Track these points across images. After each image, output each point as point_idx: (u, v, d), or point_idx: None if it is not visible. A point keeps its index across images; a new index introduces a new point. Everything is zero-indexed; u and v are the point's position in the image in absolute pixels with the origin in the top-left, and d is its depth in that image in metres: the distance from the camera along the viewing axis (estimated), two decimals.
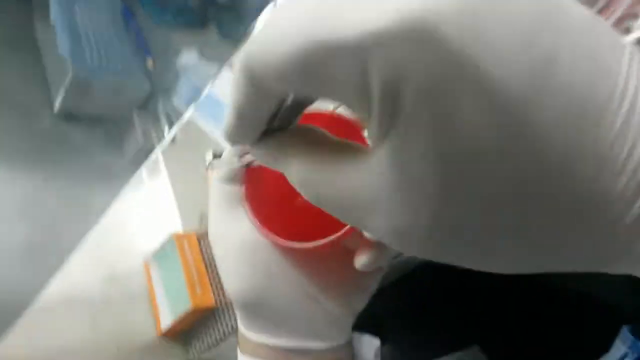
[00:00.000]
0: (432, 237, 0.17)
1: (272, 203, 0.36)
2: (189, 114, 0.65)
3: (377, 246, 0.32)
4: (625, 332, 0.37)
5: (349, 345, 0.39)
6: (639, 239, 0.15)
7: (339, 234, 0.32)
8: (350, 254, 0.35)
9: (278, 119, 0.21)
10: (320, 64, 0.16)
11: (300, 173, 0.21)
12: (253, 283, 0.35)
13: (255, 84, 0.18)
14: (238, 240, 0.35)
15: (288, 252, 0.35)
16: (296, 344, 0.36)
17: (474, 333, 0.54)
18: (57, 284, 0.51)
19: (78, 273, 0.58)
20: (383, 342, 0.44)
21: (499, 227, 0.16)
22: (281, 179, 0.23)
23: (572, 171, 0.14)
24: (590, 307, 0.56)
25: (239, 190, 0.35)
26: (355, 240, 0.35)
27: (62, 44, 0.72)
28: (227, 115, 0.21)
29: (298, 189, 0.21)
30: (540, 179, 0.15)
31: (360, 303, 0.37)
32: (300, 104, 0.21)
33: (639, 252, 0.15)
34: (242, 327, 0.38)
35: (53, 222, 0.63)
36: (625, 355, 0.35)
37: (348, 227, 0.32)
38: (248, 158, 0.37)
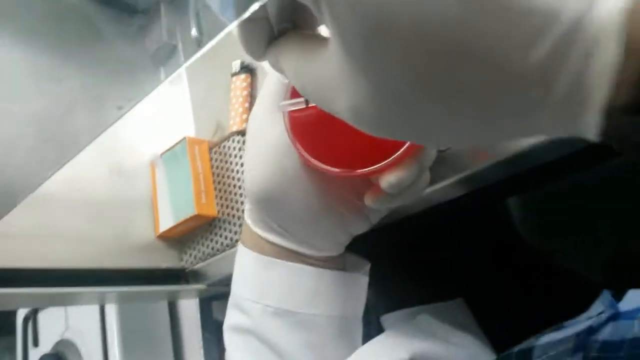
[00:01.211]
0: (379, 109, 0.20)
1: (310, 124, 0.36)
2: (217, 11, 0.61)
3: (385, 193, 0.35)
4: (605, 294, 0.39)
5: (341, 257, 0.43)
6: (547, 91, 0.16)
7: (363, 170, 0.33)
8: (363, 185, 0.37)
9: (276, 28, 0.25)
10: None
11: (291, 68, 0.24)
12: (275, 182, 0.37)
13: None
14: (273, 141, 0.37)
15: (311, 167, 0.36)
16: (295, 247, 0.40)
17: (459, 286, 0.55)
18: (65, 170, 0.50)
19: (85, 163, 0.57)
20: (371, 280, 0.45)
21: (432, 95, 0.18)
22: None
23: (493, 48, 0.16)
24: (572, 277, 0.57)
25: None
26: (373, 178, 0.37)
27: None
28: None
29: (292, 83, 0.24)
30: (463, 52, 0.16)
31: (358, 229, 0.41)
32: (284, 11, 0.25)
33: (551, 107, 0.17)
34: (249, 221, 0.41)
35: (69, 102, 0.61)
36: (603, 311, 0.37)
37: (372, 168, 0.33)
38: None
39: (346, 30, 0.18)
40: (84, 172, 0.56)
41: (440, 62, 0.17)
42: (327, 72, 0.21)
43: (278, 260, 0.40)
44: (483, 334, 0.52)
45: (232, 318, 0.42)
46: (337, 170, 0.35)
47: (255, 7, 0.23)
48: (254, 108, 0.40)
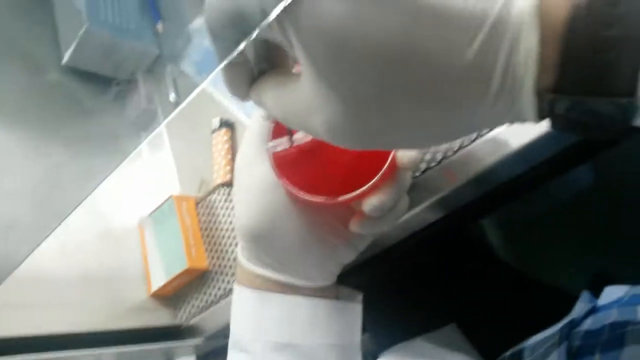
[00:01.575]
0: (350, 121, 0.22)
1: (292, 160, 0.39)
2: (193, 75, 0.65)
3: (372, 216, 0.37)
4: (584, 293, 0.42)
5: (333, 287, 0.44)
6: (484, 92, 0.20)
7: (345, 197, 0.35)
8: (347, 214, 0.39)
9: (256, 70, 0.28)
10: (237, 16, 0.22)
11: (271, 101, 0.26)
12: (266, 217, 0.39)
13: (211, 35, 0.24)
14: (261, 179, 0.40)
15: (298, 200, 0.39)
16: (289, 279, 0.41)
17: (451, 312, 0.57)
18: (55, 237, 0.51)
19: (75, 229, 0.58)
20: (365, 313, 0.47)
21: (391, 99, 0.21)
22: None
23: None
24: (556, 296, 0.59)
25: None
26: (356, 204, 0.39)
27: None
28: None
29: (274, 115, 0.27)
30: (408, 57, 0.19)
31: (347, 257, 0.43)
32: (260, 53, 0.28)
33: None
34: (243, 259, 0.42)
35: (57, 174, 0.63)
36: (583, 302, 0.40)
37: (352, 195, 0.36)
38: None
39: (313, 53, 0.21)
40: (74, 238, 0.58)
41: (392, 69, 0.20)
42: (302, 97, 0.24)
43: (274, 295, 0.41)
44: (478, 354, 0.53)
45: (233, 359, 0.43)
46: (321, 199, 0.37)
47: (232, 55, 0.26)
48: (239, 152, 0.42)
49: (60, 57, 0.76)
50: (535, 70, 0.18)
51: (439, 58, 0.19)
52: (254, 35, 0.23)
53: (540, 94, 0.19)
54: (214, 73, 0.28)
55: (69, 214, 0.54)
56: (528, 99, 0.19)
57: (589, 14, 0.17)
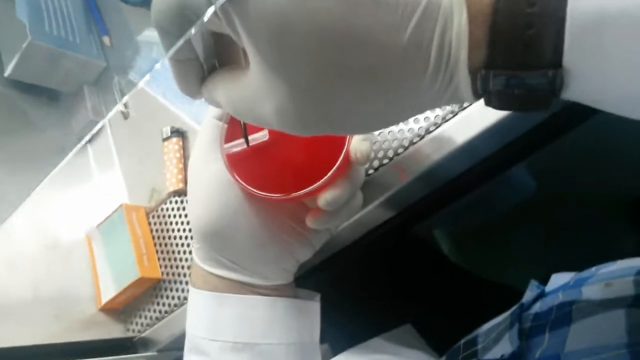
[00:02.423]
0: (298, 106, 0.23)
1: (245, 159, 0.40)
2: (142, 83, 0.65)
3: (327, 211, 0.38)
4: (532, 282, 0.44)
5: (291, 287, 0.45)
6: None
7: (300, 192, 0.36)
8: (302, 212, 0.39)
9: (206, 67, 0.28)
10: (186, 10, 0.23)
11: (222, 96, 0.27)
12: (220, 216, 0.39)
13: (160, 31, 0.24)
14: (214, 177, 0.40)
15: (252, 198, 0.39)
16: (245, 278, 0.41)
17: (405, 312, 0.58)
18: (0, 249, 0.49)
19: (21, 241, 0.55)
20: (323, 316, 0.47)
21: (334, 82, 0.21)
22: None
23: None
24: (506, 292, 0.62)
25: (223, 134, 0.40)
26: (310, 201, 0.40)
27: (21, 8, 0.70)
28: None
29: (227, 110, 0.27)
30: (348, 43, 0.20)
31: (303, 255, 0.43)
32: (209, 50, 0.28)
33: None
34: (198, 260, 0.42)
35: None
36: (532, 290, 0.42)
37: (307, 190, 0.36)
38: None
39: (257, 40, 0.22)
40: (21, 252, 0.55)
41: (333, 51, 0.21)
42: (251, 87, 0.25)
43: (230, 295, 0.41)
44: (433, 352, 0.54)
45: None
46: (276, 196, 0.38)
47: (179, 44, 0.26)
48: (193, 153, 0.42)
49: (3, 70, 0.73)
50: (466, 47, 0.20)
51: (379, 39, 0.20)
52: (200, 23, 0.23)
53: (473, 71, 0.20)
54: (158, 65, 0.28)
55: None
56: (463, 76, 0.21)
57: None
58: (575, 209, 0.91)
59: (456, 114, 0.43)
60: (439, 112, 0.44)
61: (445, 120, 0.44)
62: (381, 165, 0.46)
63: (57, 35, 0.77)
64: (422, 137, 0.44)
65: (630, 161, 0.88)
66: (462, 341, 0.41)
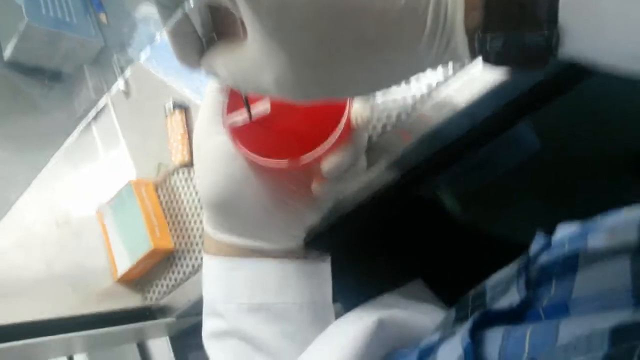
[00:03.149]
0: (297, 74, 0.23)
1: (248, 130, 0.40)
2: (143, 58, 0.65)
3: (331, 177, 0.39)
4: (538, 233, 0.45)
5: (301, 250, 0.45)
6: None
7: (303, 159, 0.37)
8: (308, 178, 0.40)
9: (204, 39, 0.29)
10: None
11: (222, 67, 0.27)
12: (226, 185, 0.40)
13: (157, 5, 0.25)
14: (219, 148, 0.40)
15: (257, 167, 0.40)
16: (255, 244, 0.42)
17: (415, 269, 0.59)
18: (9, 225, 0.50)
19: (31, 217, 0.57)
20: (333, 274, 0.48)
21: (332, 49, 0.22)
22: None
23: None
24: (514, 247, 0.63)
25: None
26: (313, 167, 0.40)
27: None
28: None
29: (227, 81, 0.28)
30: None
31: (310, 219, 0.44)
32: (207, 22, 0.28)
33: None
34: (208, 228, 0.43)
35: (2, 171, 0.61)
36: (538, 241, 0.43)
37: (312, 156, 0.37)
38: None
39: (256, 10, 0.22)
40: (32, 229, 0.56)
41: (332, 19, 0.21)
42: (251, 57, 0.25)
43: (243, 259, 0.42)
44: (444, 304, 0.55)
45: (208, 325, 0.43)
46: (281, 163, 0.38)
47: (176, 16, 0.27)
48: (196, 126, 0.43)
49: (2, 54, 0.74)
50: (462, 10, 0.20)
51: (376, 4, 0.21)
52: None
53: (470, 32, 0.21)
54: (158, 38, 0.28)
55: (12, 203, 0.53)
56: (460, 37, 0.21)
57: None
58: (579, 165, 0.92)
59: (457, 76, 0.44)
60: (439, 74, 0.44)
61: (446, 82, 0.44)
62: (384, 128, 0.46)
63: (53, 16, 0.77)
64: (424, 100, 0.45)
65: (632, 116, 0.89)
66: (471, 293, 0.42)
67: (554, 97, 0.51)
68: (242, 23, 0.25)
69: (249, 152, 0.39)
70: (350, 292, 0.62)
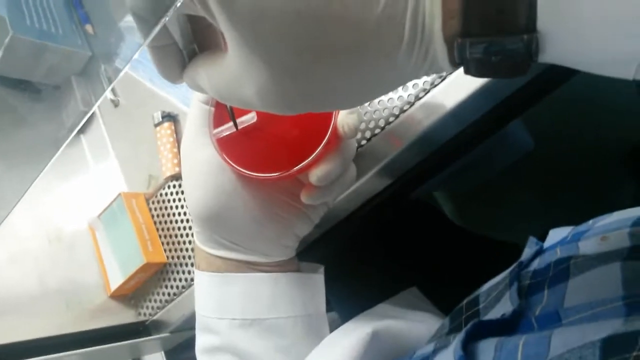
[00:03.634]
0: (278, 86, 0.23)
1: (234, 142, 0.40)
2: (126, 69, 0.64)
3: (320, 187, 0.38)
4: (530, 239, 0.44)
5: (293, 262, 0.45)
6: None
7: (288, 172, 0.36)
8: (298, 188, 0.39)
9: (185, 52, 0.28)
10: None
11: (205, 80, 0.27)
12: (215, 198, 0.40)
13: (135, 18, 0.24)
14: (206, 161, 0.40)
15: (246, 179, 0.40)
16: (246, 257, 0.42)
17: (409, 277, 0.59)
18: (4, 247, 0.49)
19: (22, 233, 0.56)
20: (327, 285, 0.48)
21: (313, 60, 0.21)
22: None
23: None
24: (508, 251, 0.63)
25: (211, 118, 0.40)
26: (303, 177, 0.40)
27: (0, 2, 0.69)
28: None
29: (210, 94, 0.27)
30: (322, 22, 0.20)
31: (302, 230, 0.43)
32: (187, 35, 0.28)
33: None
34: (199, 243, 0.42)
35: None
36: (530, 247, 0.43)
37: (298, 167, 0.36)
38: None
39: (234, 22, 0.21)
40: (23, 245, 0.56)
41: (310, 29, 0.21)
42: (232, 71, 0.24)
43: (234, 274, 0.42)
44: (440, 312, 0.55)
45: (201, 341, 0.43)
46: (267, 175, 0.38)
47: (155, 31, 0.26)
48: (184, 139, 0.42)
49: None
50: (440, 17, 0.20)
51: (353, 14, 0.20)
52: (174, 8, 0.23)
53: (449, 41, 0.20)
54: (137, 52, 0.28)
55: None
56: (439, 47, 0.21)
57: None
58: (573, 163, 0.92)
59: (444, 79, 0.43)
60: (426, 78, 0.44)
61: (434, 85, 0.44)
62: (373, 135, 0.46)
63: (39, 28, 0.76)
64: (412, 104, 0.44)
65: (623, 111, 0.89)
66: (465, 301, 0.42)
67: (545, 94, 0.50)
68: (222, 34, 0.24)
69: (235, 165, 0.39)
70: (346, 301, 0.62)
